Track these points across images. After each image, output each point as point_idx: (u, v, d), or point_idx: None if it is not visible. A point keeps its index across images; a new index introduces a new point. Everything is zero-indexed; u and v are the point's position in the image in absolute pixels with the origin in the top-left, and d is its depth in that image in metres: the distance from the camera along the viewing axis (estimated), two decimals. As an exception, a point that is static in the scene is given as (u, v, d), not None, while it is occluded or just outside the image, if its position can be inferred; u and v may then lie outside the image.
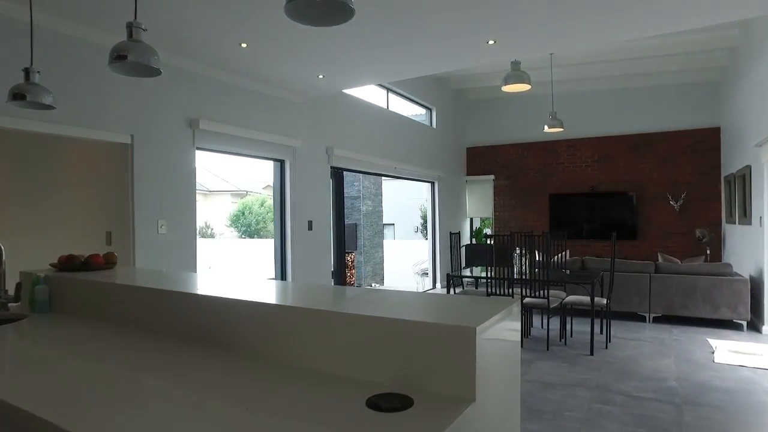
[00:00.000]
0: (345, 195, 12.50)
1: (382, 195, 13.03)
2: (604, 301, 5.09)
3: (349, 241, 12.09)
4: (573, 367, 4.37)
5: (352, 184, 12.22)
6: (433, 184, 9.45)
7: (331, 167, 6.49)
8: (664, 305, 6.01)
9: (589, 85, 9.47)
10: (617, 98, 9.38)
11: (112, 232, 4.29)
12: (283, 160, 5.74)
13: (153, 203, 4.27)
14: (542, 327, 5.86)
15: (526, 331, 5.43)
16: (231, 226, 26.46)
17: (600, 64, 8.44)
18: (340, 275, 6.79)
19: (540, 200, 10.04)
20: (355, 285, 11.84)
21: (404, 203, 15.88)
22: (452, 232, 6.18)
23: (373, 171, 7.49)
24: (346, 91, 6.76)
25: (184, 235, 4.53)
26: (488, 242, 9.03)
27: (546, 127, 7.83)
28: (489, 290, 5.27)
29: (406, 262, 11.42)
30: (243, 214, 26.79)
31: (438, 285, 9.27)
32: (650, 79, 8.94)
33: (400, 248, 13.97)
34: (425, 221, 11.98)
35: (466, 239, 10.66)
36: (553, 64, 8.20)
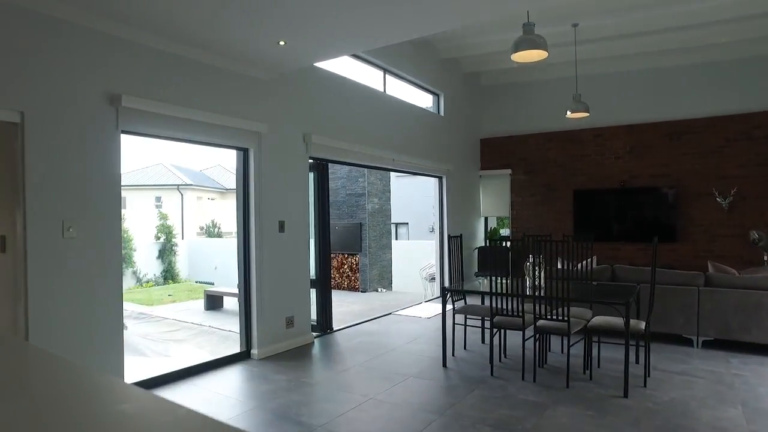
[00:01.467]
0: (348, 192, 11.54)
1: (390, 192, 12.01)
2: (642, 325, 3.96)
3: (353, 242, 11.13)
4: (601, 416, 3.28)
5: (357, 180, 11.24)
6: (440, 179, 8.39)
7: (311, 158, 5.52)
8: (718, 327, 4.82)
9: (620, 65, 8.26)
10: (653, 79, 8.14)
11: (6, 235, 3.40)
12: (246, 149, 4.79)
13: (56, 200, 3.35)
14: (562, 352, 4.76)
15: (540, 360, 4.35)
16: (243, 225, 25.54)
17: (632, 38, 7.23)
18: (324, 285, 5.81)
19: (563, 197, 8.87)
20: (360, 290, 10.88)
21: (420, 201, 14.80)
22: (452, 235, 5.14)
23: (365, 163, 6.48)
24: (330, 68, 5.77)
25: (103, 240, 3.61)
26: (504, 244, 7.94)
27: (569, 113, 6.71)
28: (494, 307, 4.21)
29: (419, 264, 10.39)
30: (255, 212, 25.74)
31: (446, 293, 8.21)
32: (693, 54, 7.68)
33: (412, 249, 12.94)
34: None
35: (479, 241, 9.56)
36: (578, 39, 7.06)
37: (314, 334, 5.59)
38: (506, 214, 9.52)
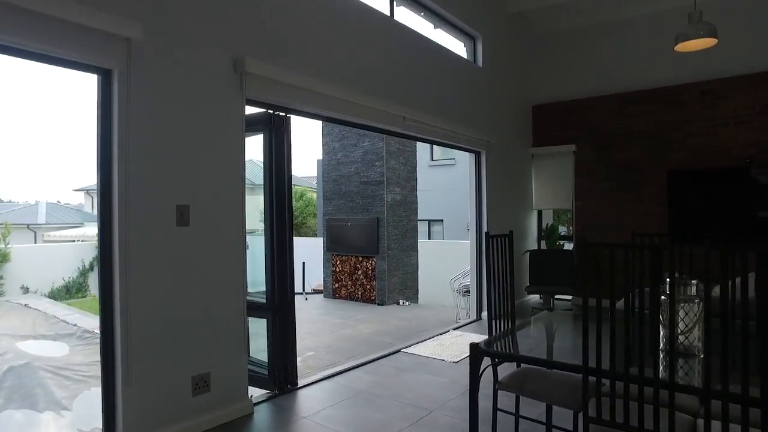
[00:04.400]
0: (363, 180, 9.25)
1: (416, 181, 9.65)
2: None
3: (368, 242, 8.88)
4: None
5: (373, 165, 8.96)
6: (477, 155, 6.01)
7: (252, 102, 3.28)
8: None
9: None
10: (801, 1, 5.46)
11: None
12: (108, 71, 2.59)
13: None
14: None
15: None
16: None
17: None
18: (282, 313, 3.56)
19: (651, 182, 6.29)
20: (377, 302, 8.62)
21: (458, 193, 12.29)
22: (493, 233, 2.78)
23: (356, 120, 4.16)
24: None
25: None
26: (569, 248, 5.54)
27: (679, 44, 4.16)
28: (587, 397, 1.82)
29: (453, 270, 8.03)
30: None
31: (483, 315, 5.82)
32: None
33: (446, 251, 10.59)
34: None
35: (531, 242, 7.09)
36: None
37: (262, 394, 3.36)
38: (568, 206, 7.01)
